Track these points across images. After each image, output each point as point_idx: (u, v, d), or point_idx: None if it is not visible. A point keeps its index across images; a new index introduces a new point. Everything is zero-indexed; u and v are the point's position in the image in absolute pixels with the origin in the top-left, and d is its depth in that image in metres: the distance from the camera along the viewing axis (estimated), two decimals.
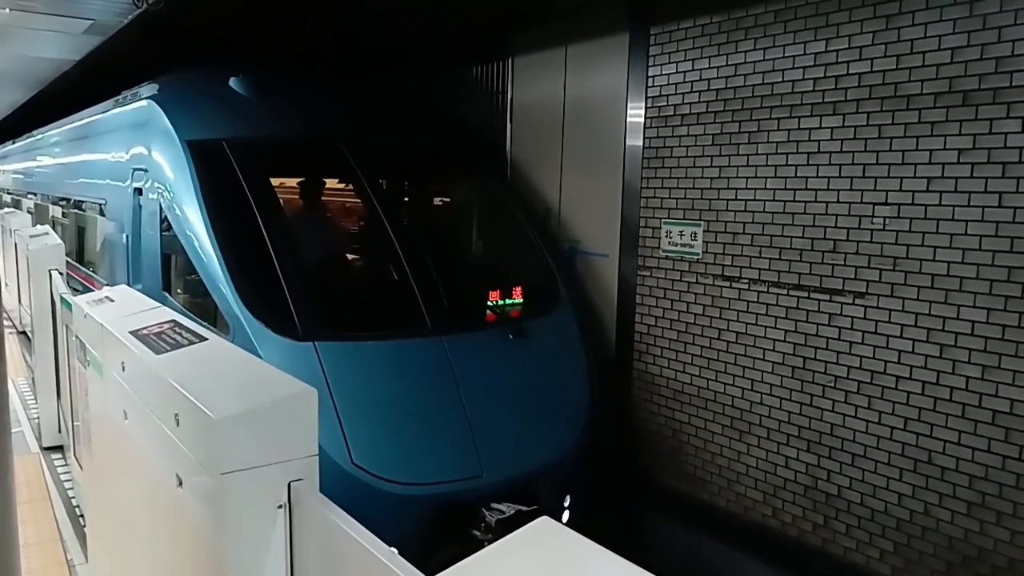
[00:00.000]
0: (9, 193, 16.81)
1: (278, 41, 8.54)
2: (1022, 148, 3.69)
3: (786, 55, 4.66)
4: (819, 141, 4.52)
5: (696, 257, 5.30)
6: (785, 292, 4.77)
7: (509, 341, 5.10)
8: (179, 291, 5.47)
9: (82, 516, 4.48)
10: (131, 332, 2.52)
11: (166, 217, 5.38)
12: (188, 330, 2.44)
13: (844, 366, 4.49)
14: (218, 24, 7.68)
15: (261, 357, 4.15)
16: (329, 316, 4.75)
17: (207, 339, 2.33)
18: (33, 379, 6.57)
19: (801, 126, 4.61)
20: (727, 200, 5.07)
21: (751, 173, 4.91)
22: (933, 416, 4.11)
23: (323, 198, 6.22)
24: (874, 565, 4.42)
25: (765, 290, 4.88)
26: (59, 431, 5.59)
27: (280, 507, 1.74)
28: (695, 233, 5.29)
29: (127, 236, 6.29)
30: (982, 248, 3.86)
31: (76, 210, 8.98)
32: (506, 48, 7.00)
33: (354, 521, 1.54)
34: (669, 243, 5.48)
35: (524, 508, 4.27)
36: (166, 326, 2.53)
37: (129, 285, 5.50)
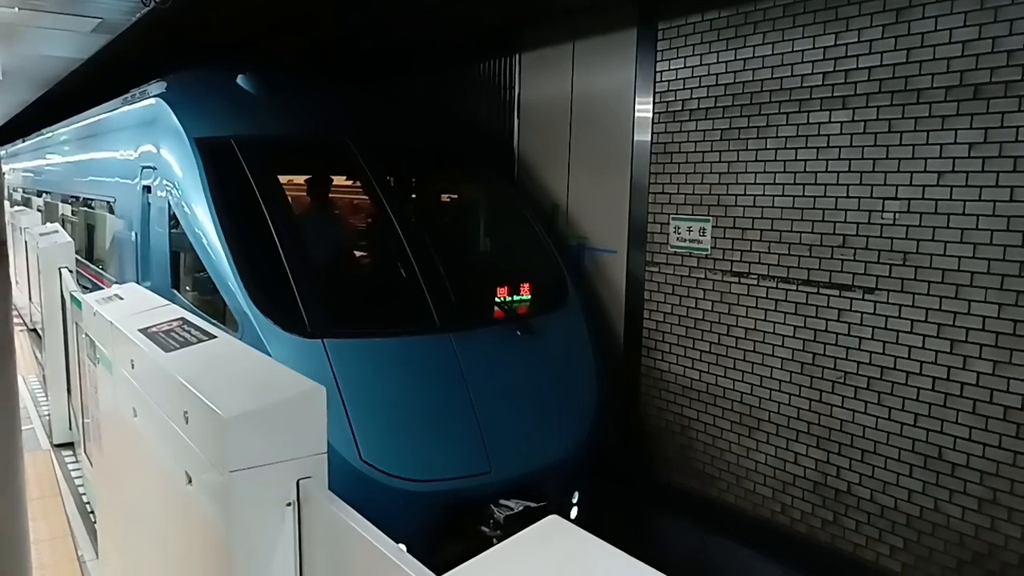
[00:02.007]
0: (19, 191, 16.89)
1: (286, 41, 8.55)
2: None
3: (795, 49, 4.63)
4: (828, 136, 4.49)
5: (705, 253, 5.29)
6: (795, 287, 4.75)
7: (517, 338, 5.10)
8: (188, 288, 5.48)
9: (92, 512, 4.51)
10: (140, 330, 2.53)
11: (175, 215, 5.40)
12: (197, 328, 2.44)
13: (854, 361, 4.47)
14: (226, 23, 7.69)
15: (270, 354, 4.16)
16: (338, 313, 4.75)
17: (216, 337, 2.33)
18: (44, 376, 6.61)
19: (810, 120, 4.58)
20: (736, 195, 5.05)
21: (760, 168, 4.89)
22: (943, 412, 4.09)
23: (332, 196, 6.23)
24: (884, 562, 4.41)
25: (774, 286, 4.86)
26: (69, 428, 5.62)
27: (289, 505, 1.74)
28: (704, 229, 5.27)
29: (136, 234, 6.31)
30: (993, 242, 3.83)
31: (85, 208, 9.02)
32: (514, 44, 6.99)
33: (363, 518, 1.54)
34: (677, 239, 5.47)
35: (533, 504, 4.27)
36: (175, 324, 2.53)
37: (138, 283, 5.53)
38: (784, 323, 4.83)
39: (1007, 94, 3.73)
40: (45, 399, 6.37)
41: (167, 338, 2.39)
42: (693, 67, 5.28)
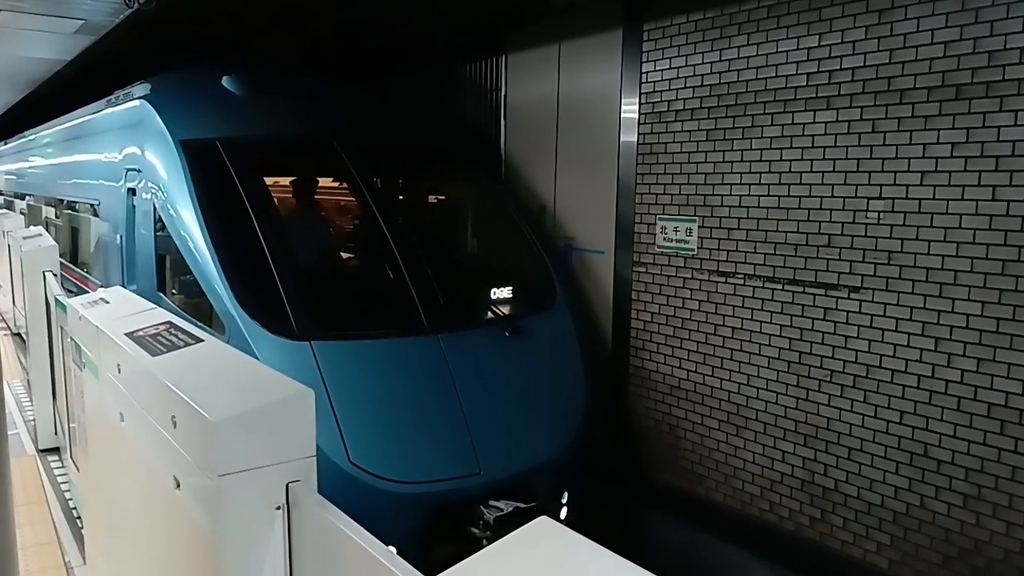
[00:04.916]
0: (1, 194, 16.75)
1: (271, 41, 8.52)
2: (1015, 141, 3.70)
3: (779, 50, 4.66)
4: (813, 136, 4.52)
5: (691, 253, 5.31)
6: (780, 287, 4.78)
7: (505, 339, 5.10)
8: (174, 292, 5.45)
9: (79, 518, 4.47)
10: (127, 334, 2.51)
11: (160, 217, 5.37)
12: (184, 331, 2.43)
13: (840, 360, 4.50)
14: (211, 24, 7.65)
15: (257, 357, 4.15)
16: (325, 315, 4.74)
17: (203, 340, 2.32)
18: (29, 381, 6.55)
19: (795, 121, 4.61)
20: (722, 195, 5.07)
21: (745, 168, 4.91)
22: (929, 409, 4.12)
23: (318, 197, 6.21)
24: (871, 559, 4.44)
25: (760, 285, 4.89)
26: (55, 433, 5.57)
27: (278, 508, 1.73)
28: (690, 229, 5.30)
29: (121, 237, 6.27)
30: (976, 241, 3.87)
31: (69, 211, 8.95)
32: (500, 45, 6.99)
33: (353, 522, 1.54)
34: (664, 239, 5.49)
35: (522, 505, 4.27)
36: (162, 328, 2.52)
37: (123, 286, 5.49)
38: (770, 322, 4.85)
39: (988, 94, 3.77)
40: (30, 404, 6.31)
41: (154, 342, 2.37)
42: (679, 68, 5.30)
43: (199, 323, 4.58)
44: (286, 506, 1.74)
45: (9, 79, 11.87)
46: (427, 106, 7.76)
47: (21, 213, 12.32)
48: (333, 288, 5.36)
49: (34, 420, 5.84)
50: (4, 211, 12.88)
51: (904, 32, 4.07)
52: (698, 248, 5.26)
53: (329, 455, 4.03)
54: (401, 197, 6.67)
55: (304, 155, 5.89)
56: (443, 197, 7.04)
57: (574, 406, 5.12)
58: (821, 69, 4.45)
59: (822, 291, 4.55)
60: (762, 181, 4.82)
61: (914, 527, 4.23)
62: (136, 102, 6.28)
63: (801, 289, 4.66)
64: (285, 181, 6.11)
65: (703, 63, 5.13)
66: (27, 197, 12.85)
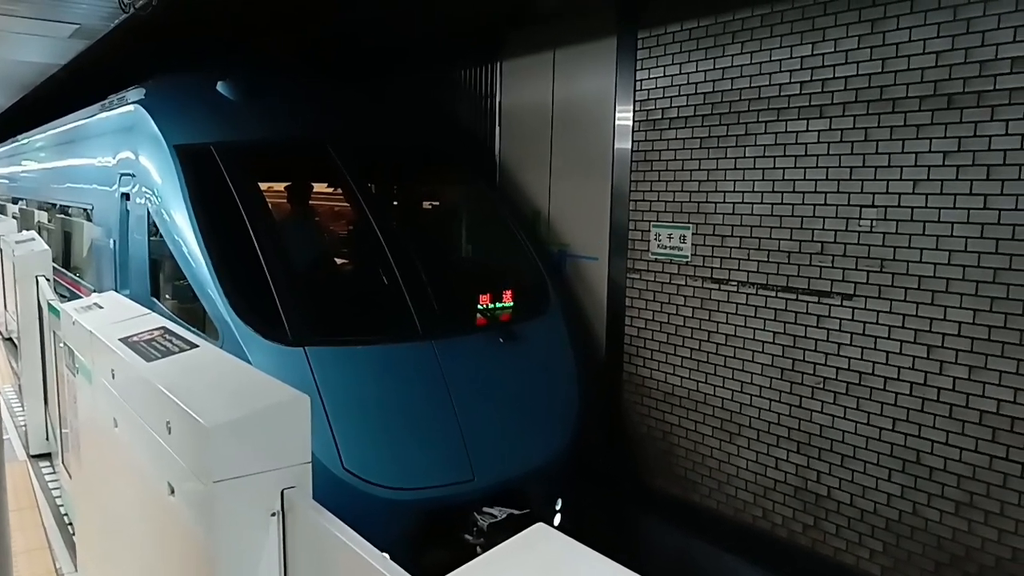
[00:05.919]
0: None
1: (267, 45, 8.52)
2: (1006, 150, 3.73)
3: (773, 59, 4.69)
4: (806, 144, 4.55)
5: (685, 260, 5.32)
6: (773, 294, 4.79)
7: (499, 345, 5.10)
8: (167, 297, 5.44)
9: (71, 524, 4.45)
10: (121, 339, 2.51)
11: (154, 222, 5.36)
12: (179, 337, 2.42)
13: (833, 367, 4.52)
14: (208, 25, 7.65)
15: (250, 363, 4.14)
16: (319, 321, 4.74)
17: (198, 346, 2.32)
18: (20, 386, 6.52)
19: (788, 129, 4.63)
20: (715, 203, 5.09)
21: (739, 176, 4.93)
22: (921, 416, 4.14)
23: (312, 202, 6.21)
24: (864, 565, 4.45)
25: (754, 292, 4.91)
26: (47, 439, 5.54)
27: (273, 515, 1.73)
28: (684, 236, 5.31)
29: (114, 241, 6.25)
30: (968, 250, 3.89)
31: (62, 215, 8.92)
32: (494, 51, 7.01)
33: (347, 528, 1.54)
34: (658, 246, 5.50)
35: (516, 512, 4.27)
36: (156, 333, 2.51)
37: (117, 291, 5.47)
38: (763, 329, 4.87)
39: (980, 104, 3.80)
40: (21, 409, 6.28)
41: (148, 347, 2.37)
42: (672, 76, 5.32)
43: (193, 328, 4.56)
44: (281, 512, 1.74)
45: (2, 83, 11.84)
46: (422, 110, 7.76)
47: (13, 217, 12.27)
48: (327, 293, 5.35)
49: (25, 425, 5.81)
50: None
51: (897, 42, 4.10)
52: (692, 255, 5.28)
53: (322, 461, 4.02)
54: (395, 202, 6.66)
55: (298, 159, 5.89)
56: (437, 202, 7.04)
57: (568, 412, 5.12)
58: (814, 78, 4.48)
59: (815, 298, 4.57)
60: (756, 189, 4.84)
61: (906, 534, 4.24)
62: (130, 106, 6.27)
63: (794, 296, 4.68)
64: (280, 185, 6.10)
65: (697, 71, 5.15)
66: (20, 201, 12.80)
